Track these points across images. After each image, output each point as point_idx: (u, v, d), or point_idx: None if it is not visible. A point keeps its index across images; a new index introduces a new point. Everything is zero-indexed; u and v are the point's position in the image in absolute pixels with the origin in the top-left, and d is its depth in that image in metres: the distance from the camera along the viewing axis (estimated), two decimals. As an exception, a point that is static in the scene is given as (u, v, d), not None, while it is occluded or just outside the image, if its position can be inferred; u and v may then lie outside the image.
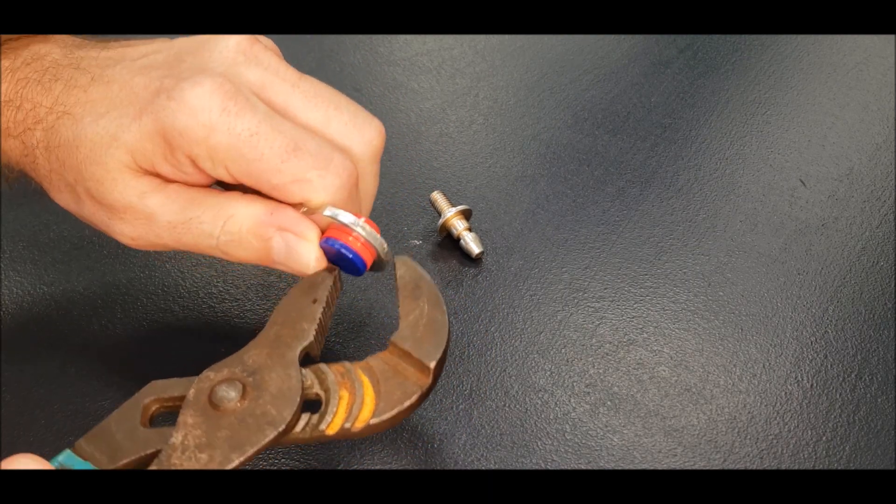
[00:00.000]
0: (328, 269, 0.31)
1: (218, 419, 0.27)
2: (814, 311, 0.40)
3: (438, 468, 0.33)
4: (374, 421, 0.27)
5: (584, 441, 0.34)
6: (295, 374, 0.28)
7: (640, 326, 0.39)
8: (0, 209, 0.43)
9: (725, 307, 0.40)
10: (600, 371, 0.37)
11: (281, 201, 0.30)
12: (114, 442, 0.27)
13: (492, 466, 0.33)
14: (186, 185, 0.31)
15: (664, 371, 0.37)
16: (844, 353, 0.38)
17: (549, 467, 0.33)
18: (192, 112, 0.28)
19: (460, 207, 0.42)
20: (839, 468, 0.33)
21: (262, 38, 0.33)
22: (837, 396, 0.36)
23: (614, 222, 0.44)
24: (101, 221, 0.31)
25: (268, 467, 0.33)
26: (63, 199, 0.32)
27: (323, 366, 0.29)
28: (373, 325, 0.38)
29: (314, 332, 0.29)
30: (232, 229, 0.30)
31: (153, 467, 0.26)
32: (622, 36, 0.59)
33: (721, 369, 0.37)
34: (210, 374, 0.28)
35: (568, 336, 0.38)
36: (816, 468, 0.33)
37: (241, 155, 0.29)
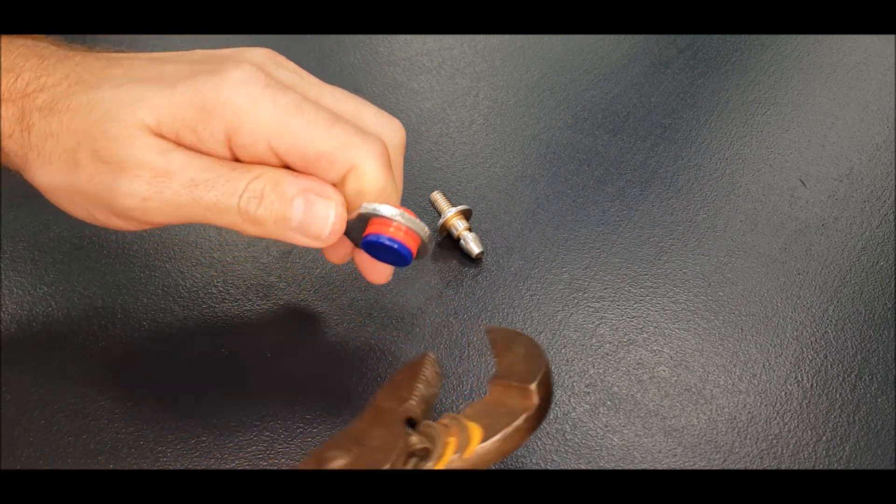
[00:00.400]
0: (424, 355, 0.31)
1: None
2: (814, 311, 0.40)
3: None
4: (482, 448, 0.27)
5: (584, 441, 0.34)
6: (398, 430, 0.28)
7: (640, 326, 0.39)
8: (0, 209, 0.43)
9: (725, 307, 0.40)
10: (600, 371, 0.37)
11: (323, 179, 0.30)
12: None
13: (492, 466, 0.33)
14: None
15: (664, 371, 0.37)
16: (844, 353, 0.38)
17: (549, 467, 0.33)
18: (235, 84, 0.29)
19: (460, 207, 0.42)
20: (839, 468, 0.33)
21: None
22: (837, 396, 0.36)
23: (614, 222, 0.44)
24: (99, 185, 0.30)
25: (268, 467, 0.33)
26: (49, 171, 0.30)
27: (426, 422, 0.29)
28: (373, 325, 0.38)
29: (415, 401, 0.29)
30: (256, 187, 0.30)
31: None
32: (622, 36, 0.59)
33: (721, 369, 0.37)
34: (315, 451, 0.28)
35: (568, 336, 0.38)
36: (816, 468, 0.33)
37: (287, 124, 0.29)
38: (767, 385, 0.36)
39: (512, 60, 0.57)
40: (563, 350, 0.37)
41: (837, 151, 0.49)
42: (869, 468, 0.33)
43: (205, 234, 0.42)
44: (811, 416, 0.35)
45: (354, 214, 0.31)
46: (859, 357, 0.37)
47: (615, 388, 0.36)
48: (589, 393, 0.36)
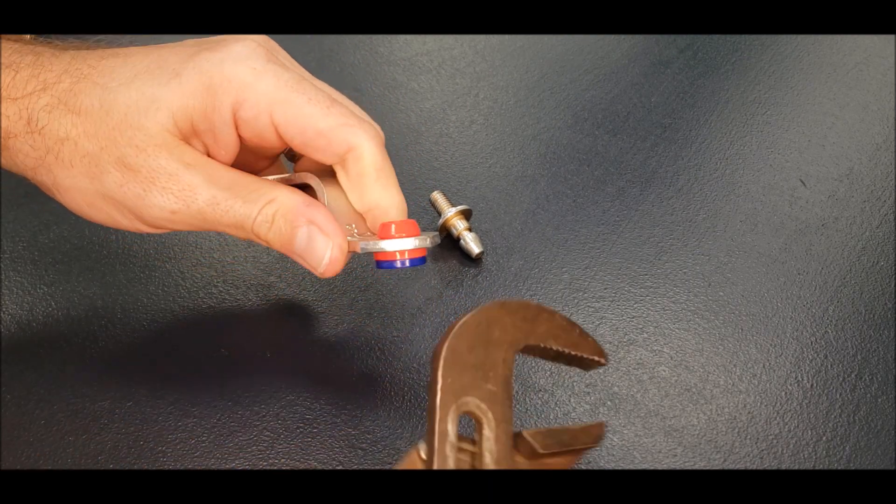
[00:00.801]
0: None
1: None
2: (814, 311, 0.40)
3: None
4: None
5: (584, 441, 0.34)
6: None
7: (640, 326, 0.39)
8: (0, 209, 0.43)
9: (725, 307, 0.40)
10: (600, 371, 0.37)
11: (319, 163, 0.32)
12: None
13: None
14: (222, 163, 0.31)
15: (664, 371, 0.37)
16: (844, 353, 0.38)
17: (549, 467, 0.33)
18: (238, 59, 0.30)
19: (460, 207, 0.42)
20: (839, 468, 0.33)
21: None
22: (837, 396, 0.36)
23: (614, 222, 0.44)
24: (128, 193, 0.30)
25: (267, 467, 0.33)
26: (72, 175, 0.30)
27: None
28: (373, 325, 0.38)
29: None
30: (269, 211, 0.31)
31: None
32: (622, 36, 0.59)
33: (721, 369, 0.37)
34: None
35: (568, 336, 0.38)
36: (816, 468, 0.33)
37: (288, 99, 0.30)
38: (767, 385, 0.36)
39: (512, 60, 0.57)
40: (563, 350, 0.37)
41: (837, 151, 0.49)
42: (869, 468, 0.33)
43: (205, 234, 0.42)
44: (811, 416, 0.35)
45: (358, 249, 0.32)
46: (859, 357, 0.37)
47: (615, 388, 0.36)
48: (589, 393, 0.36)
